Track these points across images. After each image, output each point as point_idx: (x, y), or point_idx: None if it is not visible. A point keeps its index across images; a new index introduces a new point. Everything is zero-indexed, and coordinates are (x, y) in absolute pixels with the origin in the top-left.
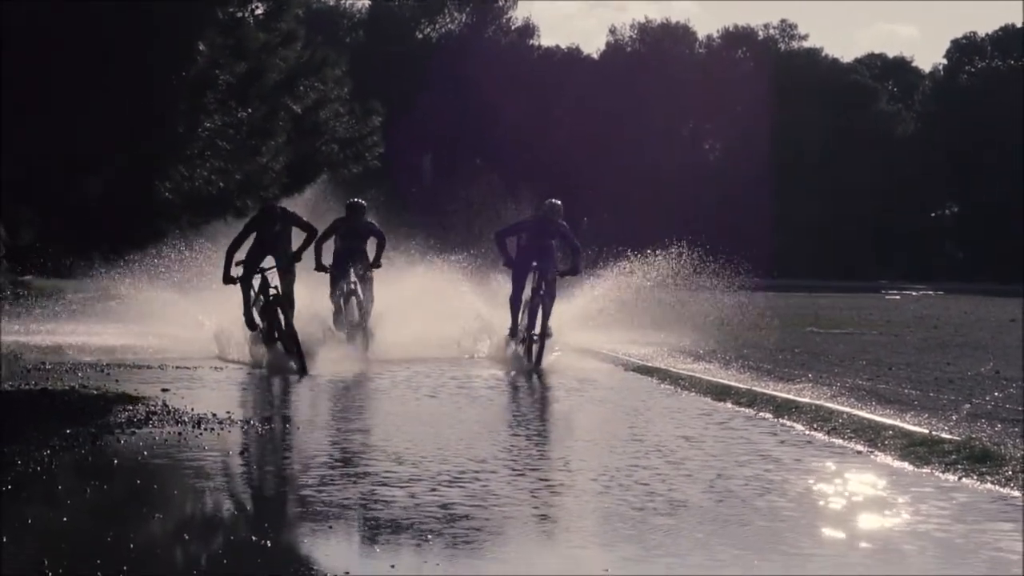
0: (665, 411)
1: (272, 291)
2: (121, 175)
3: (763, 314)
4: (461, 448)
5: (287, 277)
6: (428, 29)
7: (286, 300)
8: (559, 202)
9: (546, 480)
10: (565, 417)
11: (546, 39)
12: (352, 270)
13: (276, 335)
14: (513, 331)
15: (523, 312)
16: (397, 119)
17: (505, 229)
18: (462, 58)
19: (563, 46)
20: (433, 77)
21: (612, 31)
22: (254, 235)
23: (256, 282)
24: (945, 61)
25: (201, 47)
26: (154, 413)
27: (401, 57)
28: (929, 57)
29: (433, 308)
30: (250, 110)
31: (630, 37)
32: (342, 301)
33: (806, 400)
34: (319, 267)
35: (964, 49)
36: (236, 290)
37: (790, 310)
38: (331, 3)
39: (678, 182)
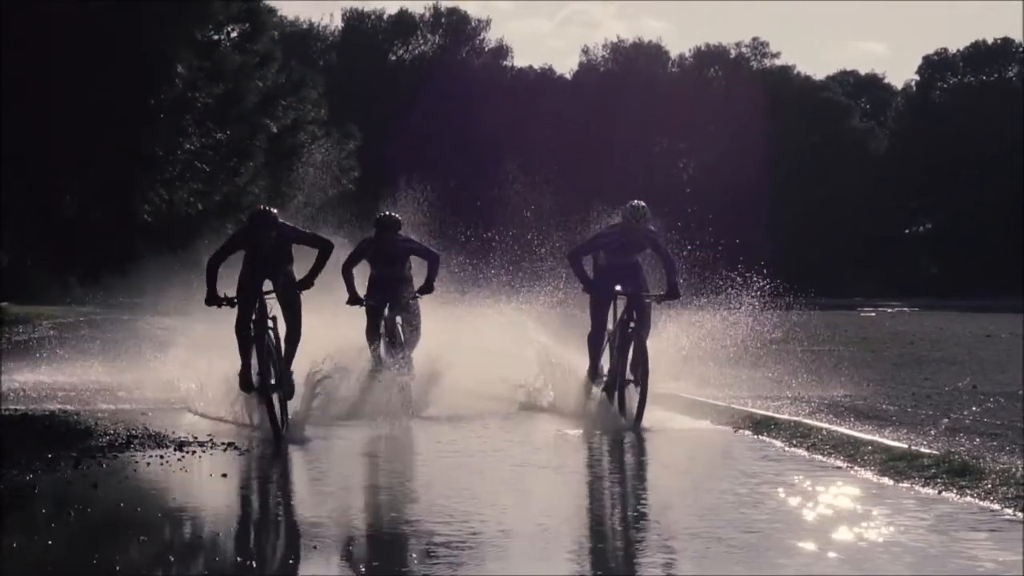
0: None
1: (269, 323)
2: (99, 196)
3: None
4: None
5: (290, 307)
6: (401, 51)
7: (289, 334)
8: (644, 204)
9: None
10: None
11: (519, 60)
12: (390, 303)
13: (271, 384)
14: (593, 373)
15: (608, 351)
16: (372, 142)
17: (580, 247)
18: (436, 80)
19: (536, 66)
20: (407, 99)
21: (585, 51)
22: (243, 252)
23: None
24: (917, 77)
25: (179, 69)
26: (135, 436)
27: (375, 79)
28: (901, 74)
29: (484, 347)
30: (228, 132)
31: (603, 57)
32: (380, 344)
33: (784, 416)
34: (353, 299)
35: (936, 65)
36: (227, 330)
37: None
38: (304, 25)
39: (652, 200)
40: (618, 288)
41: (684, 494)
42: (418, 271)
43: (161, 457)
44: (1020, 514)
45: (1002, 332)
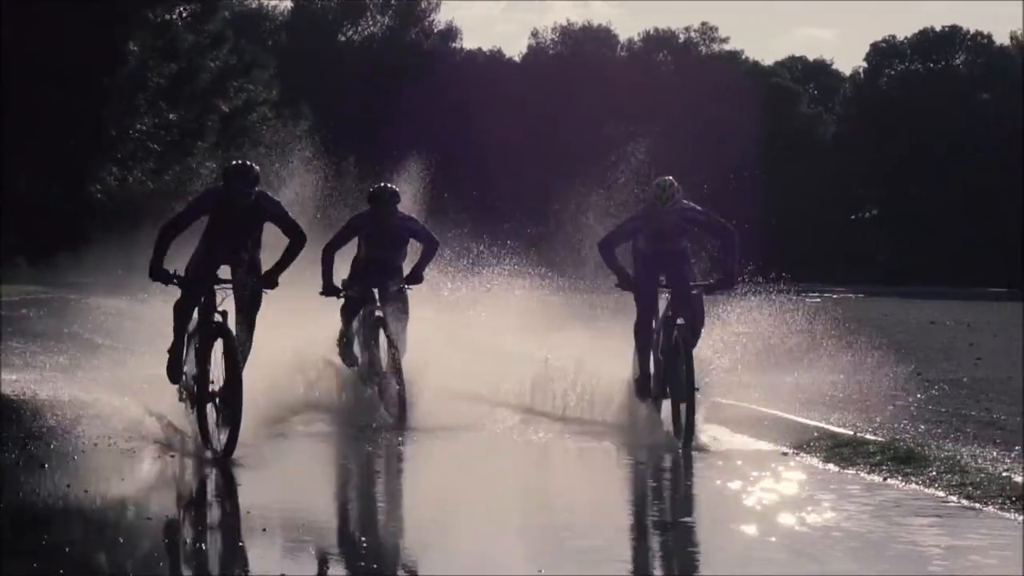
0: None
1: (217, 319)
2: (51, 175)
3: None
4: None
5: (248, 305)
6: (351, 32)
7: (241, 336)
8: (671, 180)
9: None
10: None
11: (468, 42)
12: (379, 292)
13: (209, 392)
14: (644, 383)
15: (660, 355)
16: (321, 122)
17: (611, 235)
18: (384, 60)
19: (485, 49)
20: (357, 79)
21: (534, 34)
22: (205, 221)
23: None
24: (865, 64)
25: (132, 47)
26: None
27: (324, 60)
28: (849, 60)
29: (498, 347)
30: (181, 112)
31: (552, 40)
32: (364, 340)
33: (730, 402)
34: (328, 290)
35: (883, 52)
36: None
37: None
38: (254, 5)
39: (602, 185)
40: (662, 279)
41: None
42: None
43: (109, 437)
44: (964, 501)
45: (947, 319)
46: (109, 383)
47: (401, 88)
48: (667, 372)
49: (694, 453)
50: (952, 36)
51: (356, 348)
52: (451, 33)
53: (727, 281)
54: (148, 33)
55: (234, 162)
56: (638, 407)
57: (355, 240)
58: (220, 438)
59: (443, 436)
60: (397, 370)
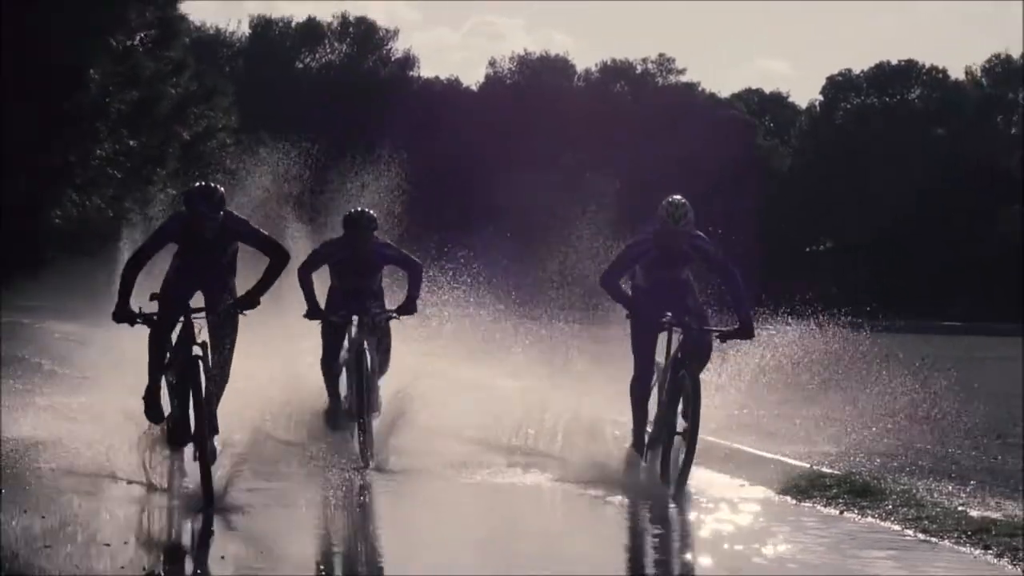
0: None
1: (196, 350)
2: (10, 200)
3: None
4: None
5: (223, 331)
6: (308, 59)
7: (217, 371)
8: (684, 200)
9: None
10: None
11: (426, 70)
12: (361, 321)
13: (187, 429)
14: (640, 436)
15: (664, 397)
16: (280, 148)
17: (611, 267)
18: (342, 88)
19: (443, 77)
20: (315, 107)
21: (492, 63)
22: (175, 251)
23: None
24: (821, 97)
25: (93, 74)
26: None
27: (282, 86)
28: (805, 93)
29: (478, 383)
30: (142, 139)
31: (509, 69)
32: (348, 375)
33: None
34: (314, 312)
35: (839, 86)
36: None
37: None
38: (211, 31)
39: (559, 214)
40: (668, 315)
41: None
42: (387, 285)
43: None
44: (920, 535)
45: (898, 352)
46: (65, 412)
47: (359, 116)
48: (668, 414)
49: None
50: (908, 70)
51: (342, 382)
52: (409, 61)
53: (746, 331)
54: (109, 59)
55: (197, 183)
56: (634, 460)
57: (325, 269)
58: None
59: (418, 479)
60: (370, 404)
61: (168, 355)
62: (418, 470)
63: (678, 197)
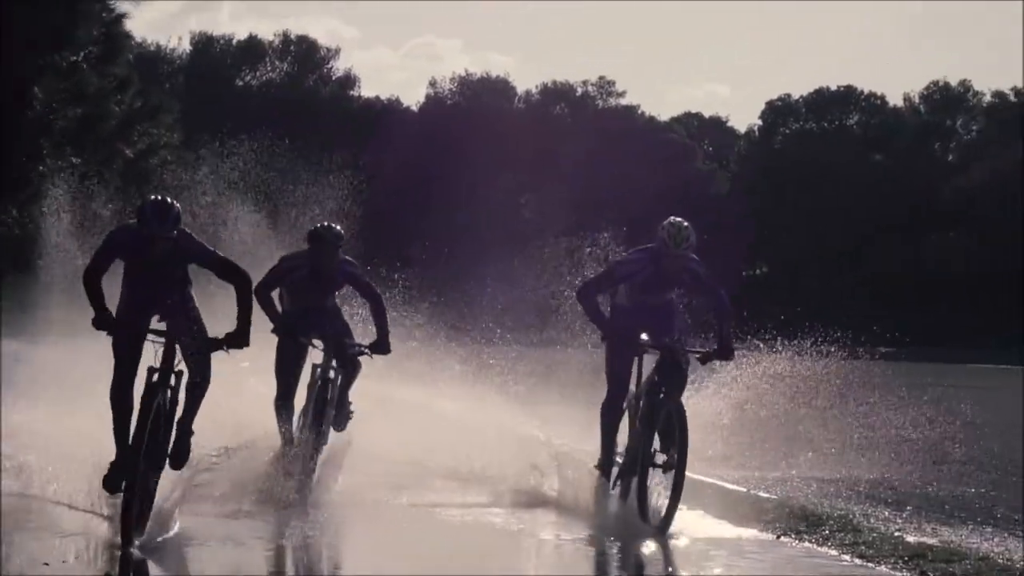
0: None
1: (156, 374)
2: None
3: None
4: None
5: (201, 364)
6: (249, 77)
7: (191, 394)
8: (687, 223)
9: None
10: None
11: (366, 90)
12: (327, 343)
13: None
14: (607, 462)
15: (637, 424)
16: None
17: (593, 280)
18: (282, 106)
19: (383, 97)
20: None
21: (432, 83)
22: (123, 271)
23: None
24: (760, 122)
25: (37, 91)
26: None
27: (223, 104)
28: (744, 118)
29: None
30: (86, 156)
31: (450, 90)
32: (314, 404)
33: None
34: (284, 327)
35: (779, 111)
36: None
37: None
38: (152, 48)
39: (497, 237)
40: (645, 337)
41: None
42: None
43: None
44: (857, 560)
45: (835, 379)
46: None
47: (300, 134)
48: (643, 444)
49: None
50: (847, 96)
51: (296, 415)
52: (349, 80)
53: (726, 351)
54: (54, 76)
55: (151, 196)
56: (602, 487)
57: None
58: (143, 525)
59: (368, 515)
60: (318, 443)
61: (138, 404)
62: (361, 502)
63: (679, 219)
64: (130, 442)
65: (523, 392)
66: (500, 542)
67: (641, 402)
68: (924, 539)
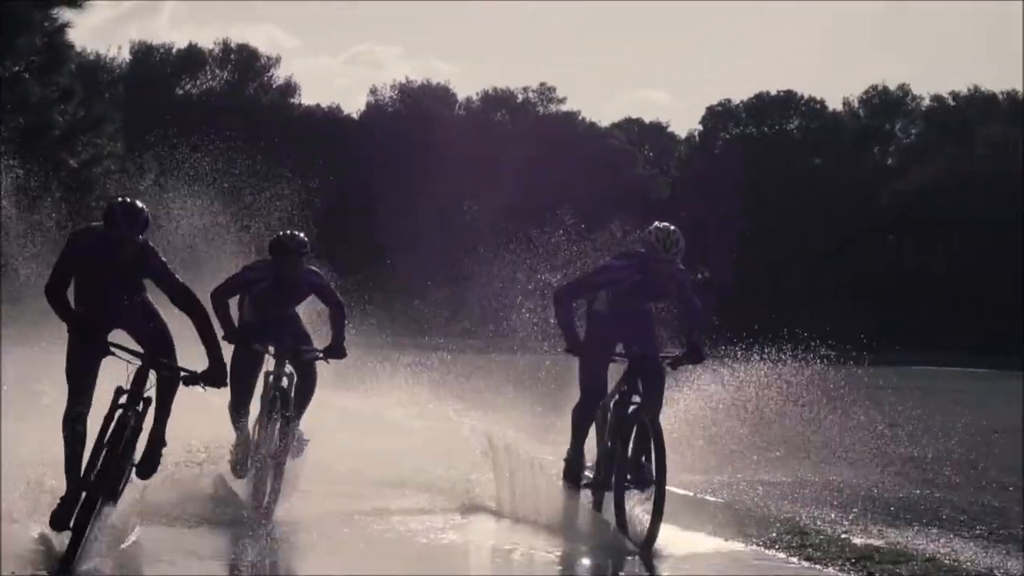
0: None
1: (124, 395)
2: None
3: None
4: None
5: (166, 388)
6: (189, 85)
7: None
8: (675, 228)
9: None
10: None
11: (307, 98)
12: (280, 352)
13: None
14: (576, 468)
15: (607, 438)
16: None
17: (573, 284)
18: (224, 115)
19: (324, 105)
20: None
21: (373, 91)
22: (77, 279)
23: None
24: (700, 127)
25: None
26: None
27: (163, 112)
28: (684, 123)
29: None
30: (30, 167)
31: (391, 97)
32: (265, 412)
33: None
34: (236, 334)
35: (719, 116)
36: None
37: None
38: (92, 57)
39: (439, 242)
40: (618, 349)
41: None
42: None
43: None
44: (805, 563)
45: (774, 385)
46: None
47: (242, 142)
48: (618, 457)
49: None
50: (787, 101)
51: (250, 422)
52: (290, 88)
53: (696, 355)
54: None
55: (119, 199)
56: (571, 497)
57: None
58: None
59: (326, 530)
60: (283, 453)
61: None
62: (321, 516)
63: (667, 224)
64: (83, 474)
65: (477, 396)
66: (472, 558)
67: (609, 414)
68: (871, 541)
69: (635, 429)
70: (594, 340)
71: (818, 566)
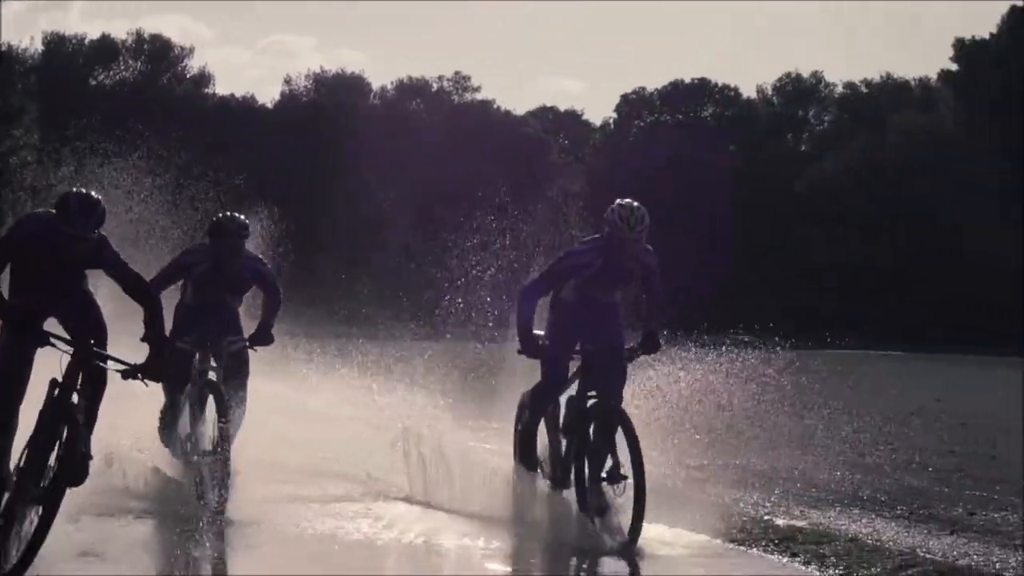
0: None
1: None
2: None
3: None
4: None
5: (97, 381)
6: (103, 76)
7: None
8: (639, 204)
9: None
10: None
11: (221, 88)
12: (212, 347)
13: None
14: (529, 449)
15: (560, 436)
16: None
17: (540, 278)
18: (137, 105)
19: (238, 95)
20: (112, 125)
21: (287, 81)
22: (13, 266)
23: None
24: (615, 115)
25: None
26: None
27: (76, 103)
28: (599, 111)
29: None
30: None
31: (305, 87)
32: (191, 410)
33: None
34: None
35: (633, 104)
36: None
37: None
38: (3, 48)
39: (356, 231)
40: (580, 342)
41: None
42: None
43: None
44: (729, 544)
45: (681, 372)
46: None
47: (157, 133)
48: (581, 451)
49: None
50: (701, 88)
51: (183, 423)
52: (204, 79)
53: (653, 343)
54: None
55: (75, 190)
56: (541, 491)
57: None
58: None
59: (275, 531)
60: (224, 450)
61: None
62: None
63: (630, 200)
64: (17, 464)
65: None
66: (378, 550)
67: (562, 412)
68: (793, 522)
69: (594, 422)
70: (556, 331)
71: (742, 547)
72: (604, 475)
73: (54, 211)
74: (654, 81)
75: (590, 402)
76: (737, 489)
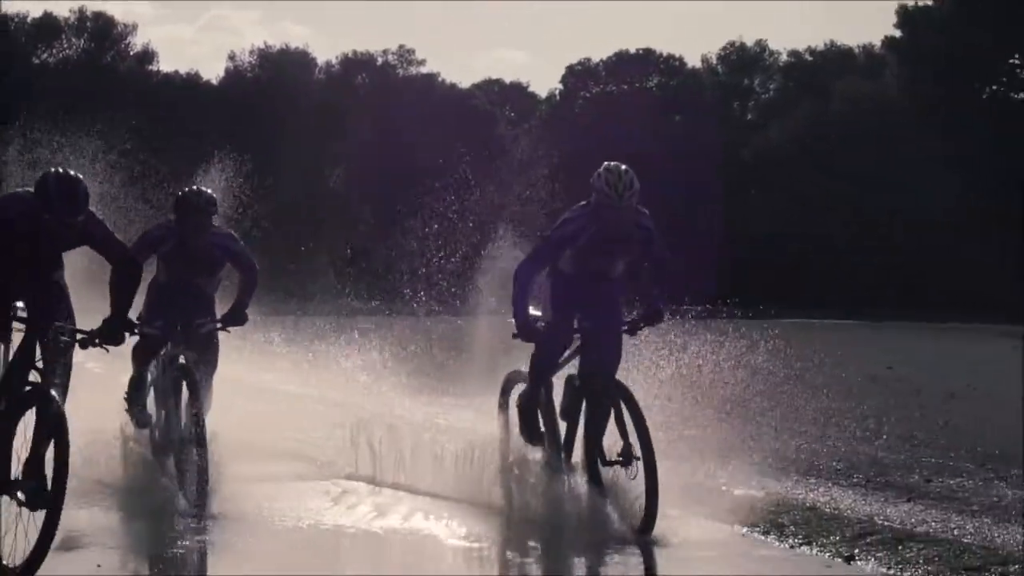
0: None
1: (33, 377)
2: None
3: None
4: None
5: (63, 356)
6: (46, 55)
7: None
8: (626, 167)
9: None
10: None
11: (165, 65)
12: (183, 330)
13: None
14: (532, 420)
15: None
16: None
17: (536, 255)
18: (82, 83)
19: (182, 72)
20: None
21: (231, 57)
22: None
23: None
24: (561, 86)
25: None
26: None
27: (19, 82)
28: (545, 82)
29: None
30: None
31: (249, 63)
32: (161, 395)
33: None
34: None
35: (578, 74)
36: None
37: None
38: None
39: (303, 208)
40: (578, 318)
41: None
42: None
43: None
44: (712, 521)
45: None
46: None
47: (97, 115)
48: (588, 432)
49: None
50: (647, 58)
51: (151, 404)
52: (147, 56)
53: (656, 315)
54: None
55: (55, 170)
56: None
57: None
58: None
59: (258, 526)
60: (199, 434)
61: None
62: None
63: (617, 163)
64: None
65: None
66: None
67: (567, 396)
68: (751, 492)
69: (588, 397)
70: (554, 297)
71: (701, 519)
72: (618, 457)
73: (33, 191)
74: (600, 51)
75: (578, 383)
76: (690, 461)
